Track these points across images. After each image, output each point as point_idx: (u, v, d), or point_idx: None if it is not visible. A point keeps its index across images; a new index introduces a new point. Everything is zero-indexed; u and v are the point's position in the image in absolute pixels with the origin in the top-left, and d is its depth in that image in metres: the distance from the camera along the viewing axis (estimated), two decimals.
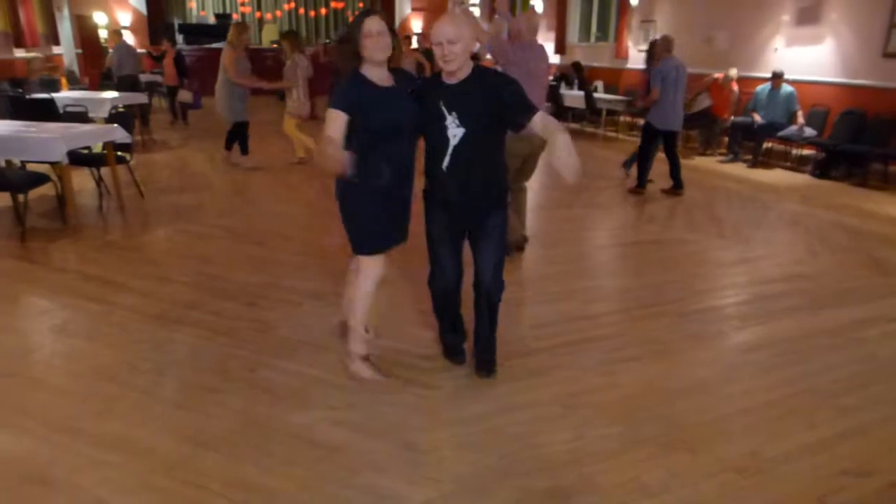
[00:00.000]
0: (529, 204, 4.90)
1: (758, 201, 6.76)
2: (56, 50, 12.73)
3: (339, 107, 2.60)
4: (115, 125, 5.70)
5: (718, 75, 9.03)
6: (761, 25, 9.28)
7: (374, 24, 2.60)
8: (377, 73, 2.69)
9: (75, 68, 13.40)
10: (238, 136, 7.64)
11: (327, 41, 15.25)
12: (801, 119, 8.18)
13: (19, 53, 10.56)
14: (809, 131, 8.17)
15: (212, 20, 17.85)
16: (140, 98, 9.51)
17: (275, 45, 14.90)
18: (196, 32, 16.76)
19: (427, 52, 11.11)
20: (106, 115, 7.24)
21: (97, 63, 13.32)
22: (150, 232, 5.26)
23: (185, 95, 11.02)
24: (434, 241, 2.91)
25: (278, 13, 18.59)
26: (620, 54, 12.22)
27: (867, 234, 5.60)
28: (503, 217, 2.89)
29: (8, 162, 5.46)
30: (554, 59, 13.98)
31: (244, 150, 7.73)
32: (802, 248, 5.16)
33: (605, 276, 4.68)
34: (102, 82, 10.91)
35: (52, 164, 5.17)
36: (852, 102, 7.99)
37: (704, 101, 8.99)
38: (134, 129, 6.52)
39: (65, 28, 13.50)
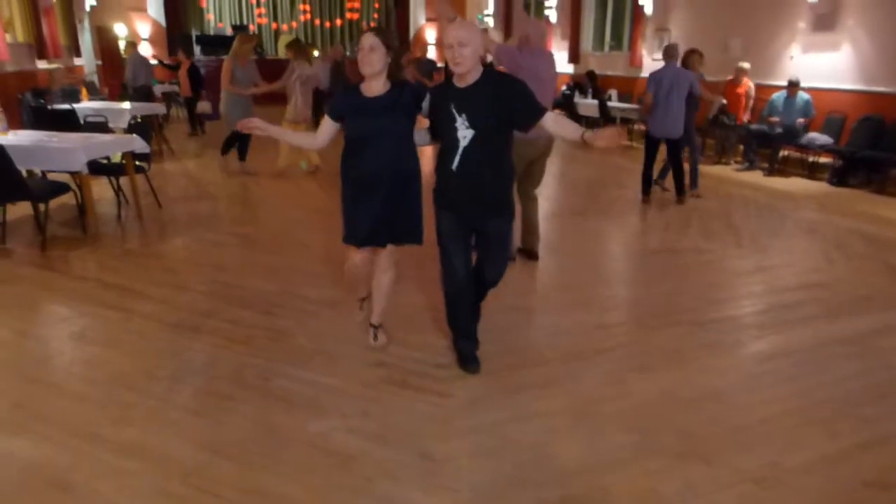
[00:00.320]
0: (543, 212, 4.90)
1: (774, 209, 6.70)
2: (77, 61, 12.96)
3: (328, 113, 3.05)
4: (135, 135, 5.79)
5: (731, 77, 8.97)
6: (777, 33, 9.22)
7: (365, 40, 2.87)
8: (369, 85, 2.94)
9: (95, 79, 13.63)
10: (235, 142, 7.81)
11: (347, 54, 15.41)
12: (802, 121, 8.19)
13: (41, 65, 10.76)
14: (823, 138, 8.10)
15: (229, 31, 18.08)
16: (158, 108, 9.65)
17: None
18: (213, 43, 16.99)
19: (422, 64, 11.12)
20: (125, 125, 7.36)
21: (117, 74, 13.51)
22: (168, 240, 5.32)
23: (204, 106, 11.18)
24: (444, 236, 3.00)
25: (294, 24, 18.79)
26: (635, 63, 12.20)
27: (885, 242, 5.53)
28: (509, 223, 3.01)
29: (29, 172, 5.56)
30: (568, 68, 14.00)
31: (241, 157, 7.92)
32: (820, 257, 5.10)
33: (620, 284, 4.66)
34: (123, 93, 11.09)
35: (73, 173, 5.26)
36: (870, 109, 7.90)
37: (718, 102, 8.89)
38: (152, 139, 6.61)
39: (85, 40, 13.74)
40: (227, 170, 7.98)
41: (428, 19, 18.42)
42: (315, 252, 4.99)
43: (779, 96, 8.59)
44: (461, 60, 2.69)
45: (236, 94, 7.41)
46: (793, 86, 8.35)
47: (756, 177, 8.48)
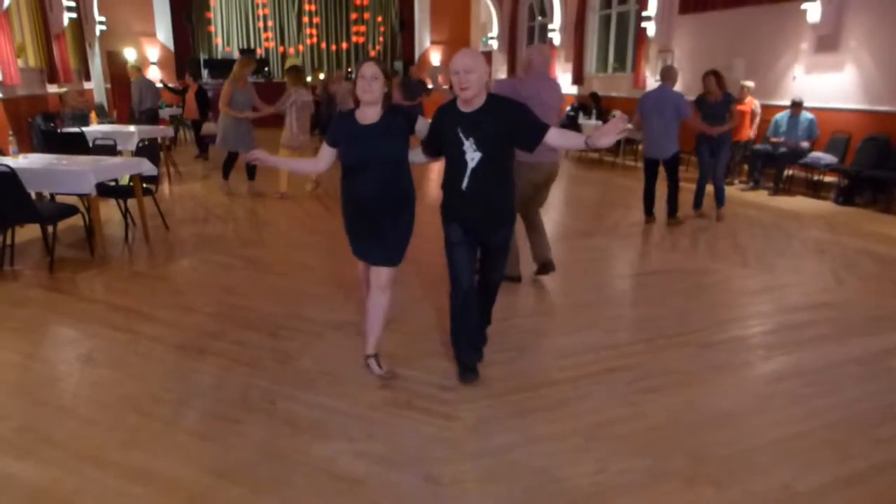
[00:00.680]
0: (550, 234, 4.91)
1: (781, 229, 6.68)
2: (87, 85, 13.14)
3: (326, 140, 3.17)
4: (143, 158, 5.84)
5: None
6: (780, 53, 9.27)
7: (366, 69, 2.97)
8: (364, 112, 3.05)
9: (104, 102, 13.80)
10: (233, 164, 7.95)
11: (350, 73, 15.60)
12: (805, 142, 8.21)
13: (52, 89, 10.91)
14: (828, 158, 8.09)
15: (236, 55, 18.30)
16: (166, 131, 9.76)
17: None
18: (220, 67, 17.19)
19: (410, 86, 11.16)
20: (133, 148, 7.43)
21: (126, 98, 13.70)
22: (175, 262, 5.34)
23: (209, 128, 11.29)
24: (452, 246, 3.12)
25: (301, 48, 19.02)
26: (638, 84, 12.26)
27: (895, 262, 5.50)
28: (511, 229, 3.22)
29: (38, 194, 5.61)
30: (572, 89, 14.09)
31: (250, 176, 8.05)
32: (828, 276, 5.07)
33: (628, 305, 4.64)
34: (130, 116, 11.21)
35: (81, 195, 5.30)
36: (875, 128, 7.92)
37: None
38: (160, 161, 6.66)
39: (95, 64, 13.95)
40: (230, 192, 8.02)
41: (433, 42, 18.62)
42: (321, 274, 5.00)
43: (782, 116, 8.62)
44: (468, 86, 2.83)
45: (233, 117, 7.49)
46: (796, 105, 8.39)
47: (761, 196, 8.47)
